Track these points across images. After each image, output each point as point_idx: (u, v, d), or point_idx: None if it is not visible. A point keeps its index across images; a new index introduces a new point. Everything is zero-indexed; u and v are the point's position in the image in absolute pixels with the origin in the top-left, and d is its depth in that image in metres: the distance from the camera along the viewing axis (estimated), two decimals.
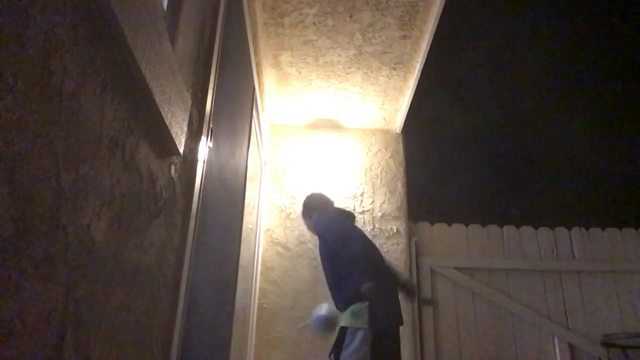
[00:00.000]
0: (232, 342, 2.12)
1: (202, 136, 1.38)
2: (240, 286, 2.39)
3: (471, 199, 5.09)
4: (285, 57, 3.06)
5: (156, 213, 1.01)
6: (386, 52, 2.98)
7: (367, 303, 2.20)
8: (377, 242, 3.54)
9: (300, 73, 3.22)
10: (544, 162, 5.47)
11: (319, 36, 2.85)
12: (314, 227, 2.65)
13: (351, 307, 2.25)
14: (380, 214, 3.66)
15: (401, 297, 2.46)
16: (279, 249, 3.52)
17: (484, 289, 3.57)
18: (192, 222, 1.27)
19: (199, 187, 1.34)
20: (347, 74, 3.21)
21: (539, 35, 4.87)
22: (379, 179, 3.77)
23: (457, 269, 3.62)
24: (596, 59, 4.97)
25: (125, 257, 0.84)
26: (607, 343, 3.37)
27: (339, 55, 3.02)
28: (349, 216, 2.72)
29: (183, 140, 1.14)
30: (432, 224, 3.81)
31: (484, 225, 3.82)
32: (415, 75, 3.17)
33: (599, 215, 4.21)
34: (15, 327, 0.51)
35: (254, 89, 2.62)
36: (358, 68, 3.15)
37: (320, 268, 2.64)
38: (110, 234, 0.77)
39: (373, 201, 3.70)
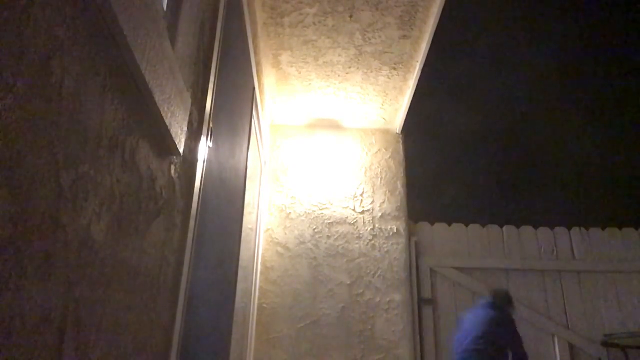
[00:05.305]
0: (232, 342, 2.12)
1: (202, 136, 1.38)
2: (240, 286, 2.39)
3: (471, 199, 5.09)
4: (285, 57, 3.06)
5: (156, 213, 1.01)
6: (386, 52, 2.98)
7: None
8: (377, 242, 3.55)
9: (300, 73, 3.22)
10: (543, 162, 5.47)
11: (319, 36, 2.85)
12: None
13: None
14: (380, 214, 3.65)
15: None
16: (279, 249, 3.52)
17: (484, 289, 3.57)
18: (192, 222, 1.27)
19: (199, 187, 1.34)
20: (347, 74, 3.21)
21: (540, 35, 4.87)
22: (379, 179, 3.77)
23: (457, 269, 3.62)
24: (596, 58, 4.97)
25: (125, 257, 0.84)
26: (607, 343, 3.37)
27: (339, 55, 3.02)
28: (475, 314, 3.02)
29: (183, 140, 1.14)
30: (432, 224, 3.81)
31: (484, 225, 3.82)
32: (415, 75, 3.17)
33: (599, 215, 4.21)
34: (15, 327, 0.51)
35: (254, 89, 2.62)
36: (358, 68, 3.15)
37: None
38: (110, 234, 0.77)
39: (373, 201, 3.69)
